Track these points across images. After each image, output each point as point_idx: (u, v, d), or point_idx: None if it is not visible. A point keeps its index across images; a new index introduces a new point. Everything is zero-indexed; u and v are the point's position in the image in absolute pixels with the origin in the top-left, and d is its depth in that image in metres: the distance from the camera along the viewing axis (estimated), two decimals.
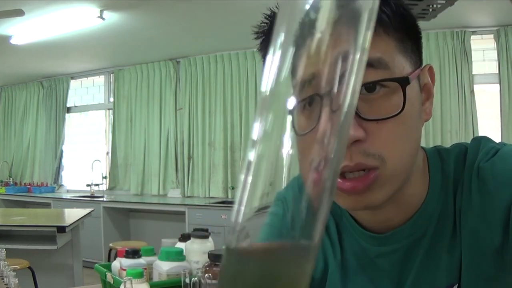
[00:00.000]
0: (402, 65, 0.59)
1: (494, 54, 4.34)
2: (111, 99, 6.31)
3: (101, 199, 5.82)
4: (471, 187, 0.62)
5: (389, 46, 0.59)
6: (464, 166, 0.65)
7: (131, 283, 1.25)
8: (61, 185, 6.73)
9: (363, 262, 0.69)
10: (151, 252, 1.66)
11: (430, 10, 1.83)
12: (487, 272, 0.61)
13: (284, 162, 0.19)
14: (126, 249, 1.59)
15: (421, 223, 0.65)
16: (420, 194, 0.65)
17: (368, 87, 0.56)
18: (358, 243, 0.69)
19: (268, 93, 0.19)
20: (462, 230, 0.63)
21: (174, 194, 5.65)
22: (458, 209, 0.63)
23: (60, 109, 6.64)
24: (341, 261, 0.72)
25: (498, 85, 4.29)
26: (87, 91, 6.72)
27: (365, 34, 0.20)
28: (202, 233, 1.65)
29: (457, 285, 0.63)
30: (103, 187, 6.26)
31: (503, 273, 0.60)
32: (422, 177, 0.66)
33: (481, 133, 4.28)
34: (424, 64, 0.64)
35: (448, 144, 0.62)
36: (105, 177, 6.27)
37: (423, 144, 0.68)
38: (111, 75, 6.30)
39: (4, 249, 1.68)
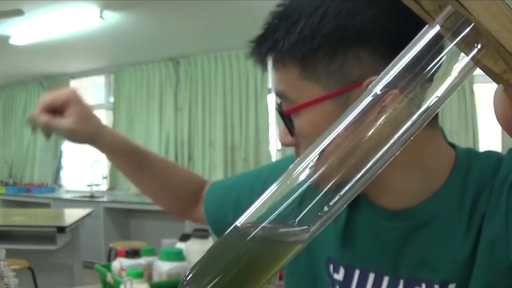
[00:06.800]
0: (307, 92, 0.62)
1: None
2: (111, 99, 6.31)
3: (101, 199, 5.82)
4: (500, 198, 0.61)
5: (292, 77, 0.63)
6: (493, 172, 0.64)
7: (131, 283, 1.25)
8: (60, 185, 6.73)
9: (369, 233, 0.71)
10: (151, 252, 1.66)
11: None
12: (494, 283, 0.61)
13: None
14: (126, 249, 1.59)
15: (427, 211, 0.65)
16: (425, 186, 0.66)
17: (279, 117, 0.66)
18: (367, 215, 0.71)
19: None
20: (481, 238, 0.62)
21: None
22: (481, 215, 0.63)
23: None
24: (344, 224, 0.74)
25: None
26: (87, 91, 6.72)
27: None
28: (202, 233, 1.65)
29: (454, 284, 0.63)
30: (103, 187, 6.25)
31: None
32: (431, 169, 0.66)
33: (481, 133, 4.29)
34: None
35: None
36: (105, 177, 6.26)
37: None
38: (111, 75, 6.30)
39: (4, 249, 1.68)
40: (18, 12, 3.73)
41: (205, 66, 5.53)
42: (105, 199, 5.85)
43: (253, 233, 0.19)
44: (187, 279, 0.20)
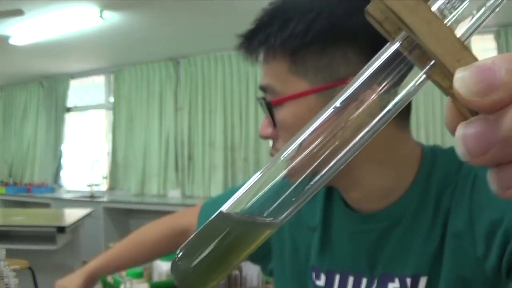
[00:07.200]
0: (294, 85, 0.65)
1: (494, 54, 4.32)
2: (111, 99, 6.31)
3: (101, 199, 5.82)
4: (464, 192, 0.64)
5: (280, 70, 0.65)
6: (457, 168, 0.66)
7: (131, 283, 1.25)
8: (60, 186, 6.73)
9: (344, 238, 0.74)
10: None
11: None
12: (464, 275, 0.63)
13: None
14: None
15: (397, 211, 0.68)
16: (394, 185, 0.68)
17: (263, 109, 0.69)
18: (341, 220, 0.75)
19: None
20: (447, 232, 0.65)
21: (174, 194, 5.65)
22: (446, 210, 0.65)
23: (60, 109, 6.63)
24: (321, 232, 0.77)
25: None
26: (87, 91, 6.72)
27: None
28: None
29: (426, 277, 0.65)
30: (103, 187, 6.25)
31: (479, 280, 0.62)
32: (401, 169, 0.69)
33: None
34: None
35: (449, 144, 0.63)
36: (105, 177, 6.26)
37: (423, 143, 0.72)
38: (111, 75, 6.30)
39: (4, 249, 1.68)
40: (18, 12, 3.73)
41: (205, 66, 5.53)
42: (105, 199, 5.85)
43: (234, 218, 0.24)
44: (179, 256, 0.24)
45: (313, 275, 0.77)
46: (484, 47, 4.43)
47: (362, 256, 0.71)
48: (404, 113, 0.68)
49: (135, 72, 5.97)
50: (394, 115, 0.24)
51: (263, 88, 0.68)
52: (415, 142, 0.72)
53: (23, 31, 4.47)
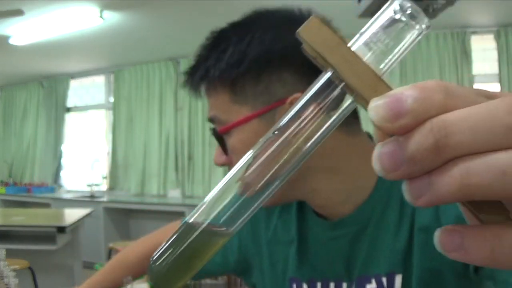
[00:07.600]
0: (237, 113, 0.69)
1: (494, 54, 4.34)
2: (111, 99, 6.31)
3: (101, 199, 5.82)
4: None
5: (223, 101, 0.70)
6: None
7: (131, 283, 1.25)
8: (61, 186, 6.73)
9: (319, 246, 0.76)
10: None
11: (430, 10, 1.83)
12: (435, 268, 0.65)
13: None
14: None
15: (365, 213, 0.70)
16: (355, 187, 0.71)
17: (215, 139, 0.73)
18: (314, 230, 0.77)
19: None
20: (415, 227, 0.67)
21: (174, 194, 5.65)
22: (412, 207, 0.67)
23: (60, 109, 6.63)
24: (297, 244, 0.79)
25: (498, 85, 4.29)
26: (87, 91, 6.72)
27: None
28: None
29: (401, 275, 0.67)
30: (103, 187, 6.25)
31: (450, 274, 0.64)
32: (359, 172, 0.71)
33: None
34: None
35: None
36: (105, 177, 6.26)
37: None
38: (111, 75, 6.30)
39: (4, 249, 1.68)
40: (18, 12, 3.73)
41: None
42: (105, 199, 5.85)
43: (196, 228, 0.27)
44: (154, 259, 0.28)
45: (294, 286, 0.79)
46: (484, 47, 4.43)
47: (339, 261, 0.73)
48: (351, 119, 0.71)
49: (135, 72, 5.97)
50: (328, 135, 0.27)
51: (211, 120, 0.73)
52: (373, 144, 0.72)
53: (23, 31, 4.47)
